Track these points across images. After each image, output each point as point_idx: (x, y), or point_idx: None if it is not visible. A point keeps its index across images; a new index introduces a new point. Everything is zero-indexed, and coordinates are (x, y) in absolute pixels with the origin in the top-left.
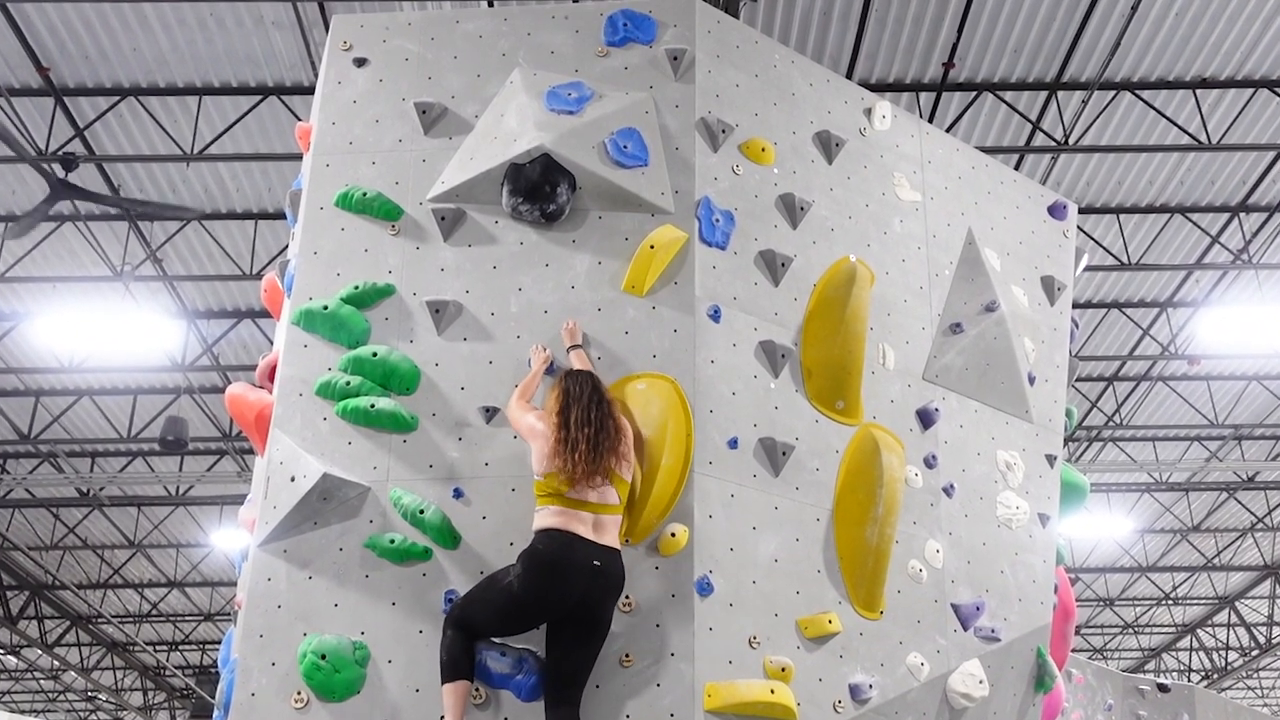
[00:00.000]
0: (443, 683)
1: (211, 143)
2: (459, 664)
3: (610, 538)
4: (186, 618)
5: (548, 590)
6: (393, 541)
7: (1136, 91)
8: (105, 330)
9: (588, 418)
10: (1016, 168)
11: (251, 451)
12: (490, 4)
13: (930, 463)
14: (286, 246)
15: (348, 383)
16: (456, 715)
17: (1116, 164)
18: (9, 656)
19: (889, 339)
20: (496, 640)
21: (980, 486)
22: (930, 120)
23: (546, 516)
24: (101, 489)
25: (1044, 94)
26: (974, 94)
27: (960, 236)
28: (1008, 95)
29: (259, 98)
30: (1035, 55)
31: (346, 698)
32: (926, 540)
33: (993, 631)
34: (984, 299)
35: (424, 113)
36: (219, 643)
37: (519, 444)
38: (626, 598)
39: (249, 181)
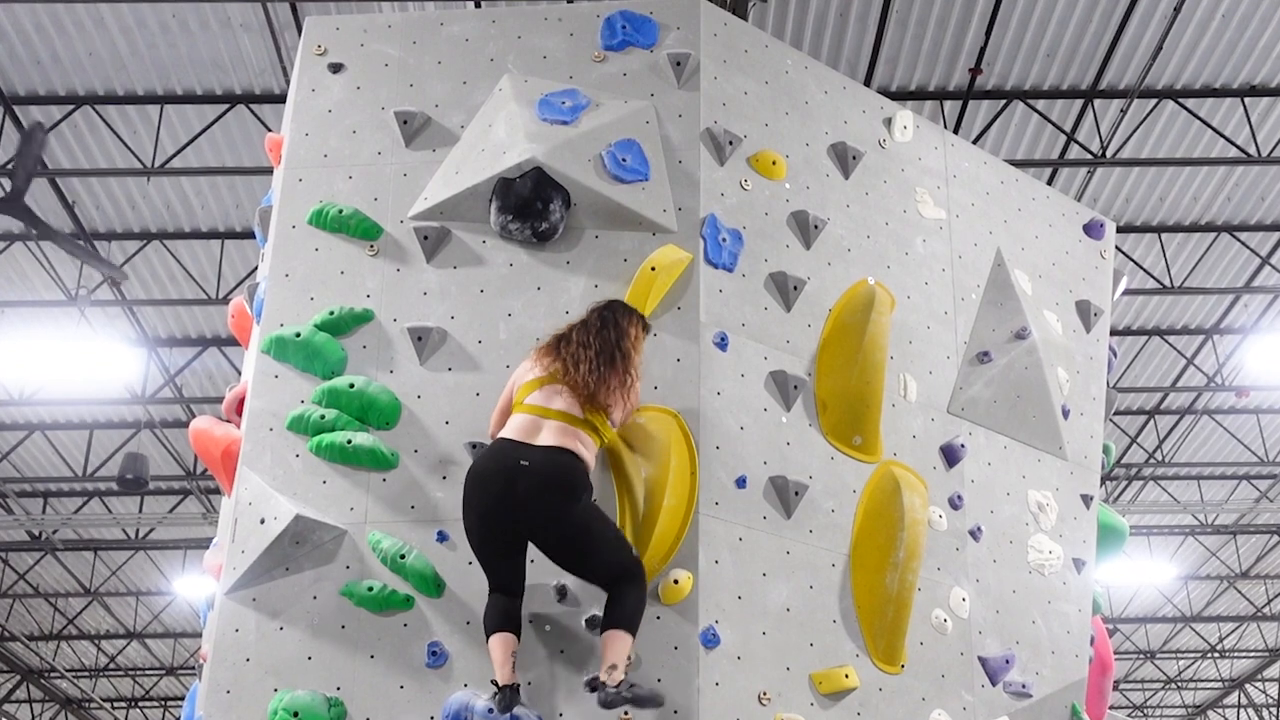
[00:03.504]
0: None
1: (174, 155)
2: (494, 618)
3: (561, 438)
4: (147, 672)
5: (477, 498)
6: (371, 589)
7: (1180, 100)
8: (59, 359)
9: (589, 338)
10: (1049, 182)
11: (218, 491)
12: (477, 5)
13: (955, 503)
14: (255, 268)
15: (322, 416)
16: (498, 668)
17: (1158, 178)
18: None
19: (911, 369)
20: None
21: (1010, 529)
22: (955, 131)
23: (505, 428)
24: (55, 532)
25: (1079, 102)
26: (1003, 102)
27: (988, 257)
28: (1040, 104)
29: (226, 106)
30: (1070, 60)
31: None
32: (951, 588)
33: (1024, 687)
34: (1014, 325)
35: (405, 123)
36: (183, 699)
37: None
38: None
39: (215, 197)
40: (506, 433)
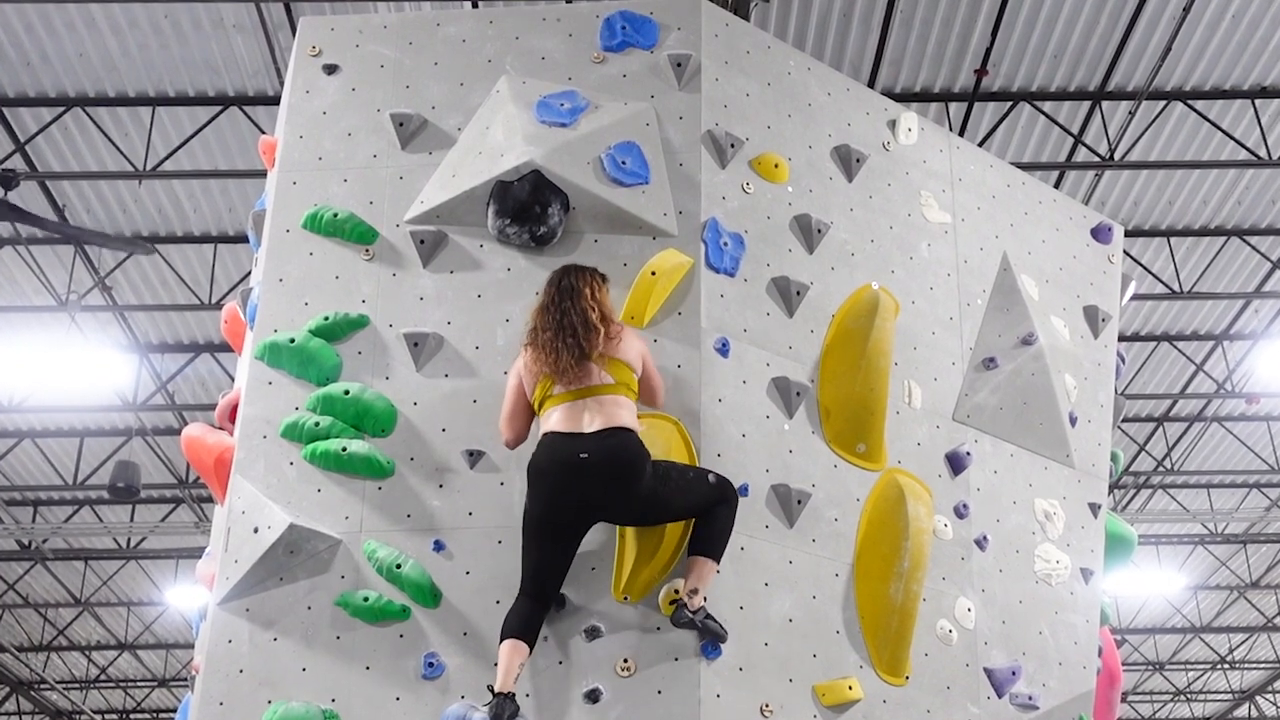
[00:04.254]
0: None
1: (166, 158)
2: (512, 625)
3: (607, 419)
4: (139, 683)
5: (550, 498)
6: (366, 599)
7: (1189, 102)
8: (48, 366)
9: (548, 320)
10: (1056, 186)
11: (210, 500)
12: (474, 5)
13: (961, 512)
14: (249, 273)
15: (317, 424)
16: (500, 674)
17: (1167, 182)
18: None
19: (915, 375)
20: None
21: (1016, 538)
22: (961, 133)
23: (544, 423)
24: (44, 541)
25: (1087, 104)
26: (1009, 104)
27: (994, 262)
28: (1047, 106)
29: (218, 108)
30: (1077, 62)
31: None
32: (957, 598)
33: (1030, 699)
34: (1020, 331)
35: (401, 125)
36: (174, 711)
37: (505, 492)
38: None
39: (207, 201)
40: (553, 426)
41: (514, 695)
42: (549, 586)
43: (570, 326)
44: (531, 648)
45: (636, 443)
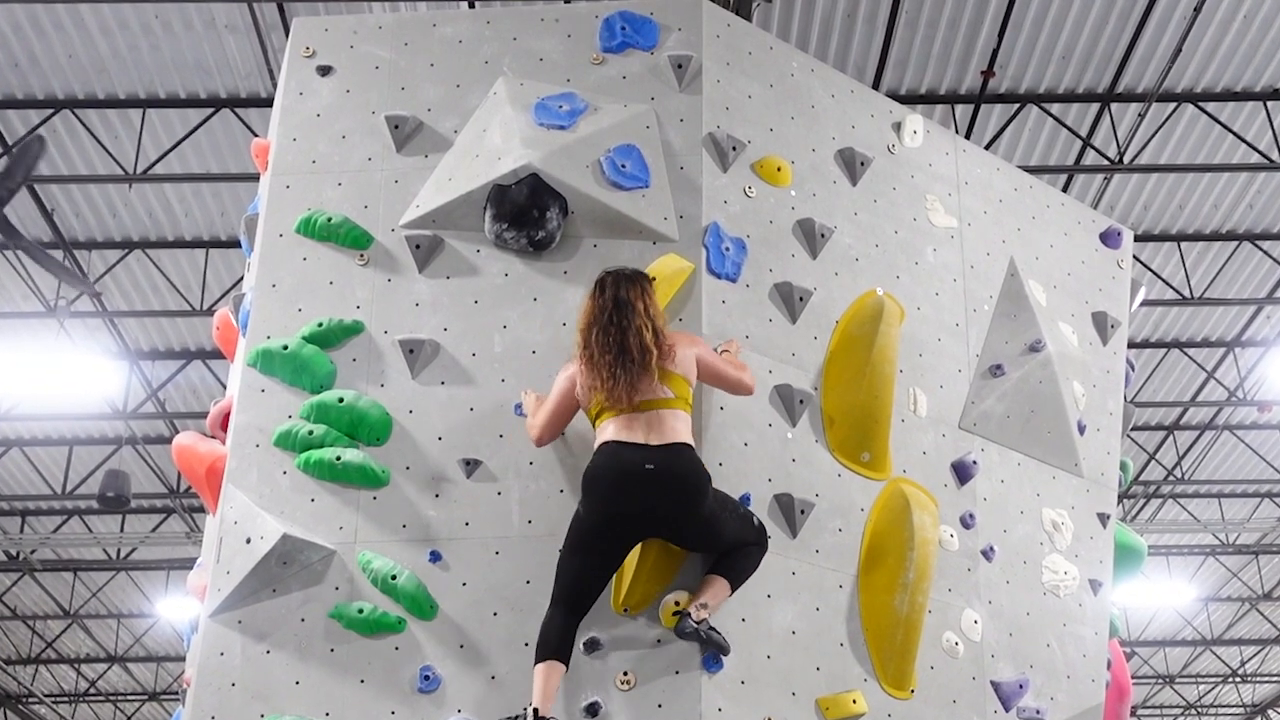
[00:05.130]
0: (534, 663)
1: (157, 161)
2: (549, 643)
3: (667, 433)
4: (129, 697)
5: (609, 506)
6: (361, 611)
7: (1200, 104)
8: (37, 373)
9: (608, 342)
10: (1065, 189)
11: (202, 510)
12: (471, 5)
13: (967, 522)
14: (241, 278)
15: (310, 432)
16: (539, 695)
17: (1177, 185)
18: None
19: (921, 383)
20: None
21: (1024, 549)
22: (967, 136)
23: (600, 433)
24: (33, 552)
25: (1096, 106)
26: (1017, 106)
27: (1001, 267)
28: (1055, 108)
29: (210, 110)
30: (1086, 63)
31: None
32: (963, 610)
33: (1038, 712)
34: (1028, 338)
35: (396, 127)
36: None
37: (503, 501)
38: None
39: (199, 205)
40: (613, 436)
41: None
42: (587, 599)
43: (628, 350)
44: (567, 665)
45: (700, 461)
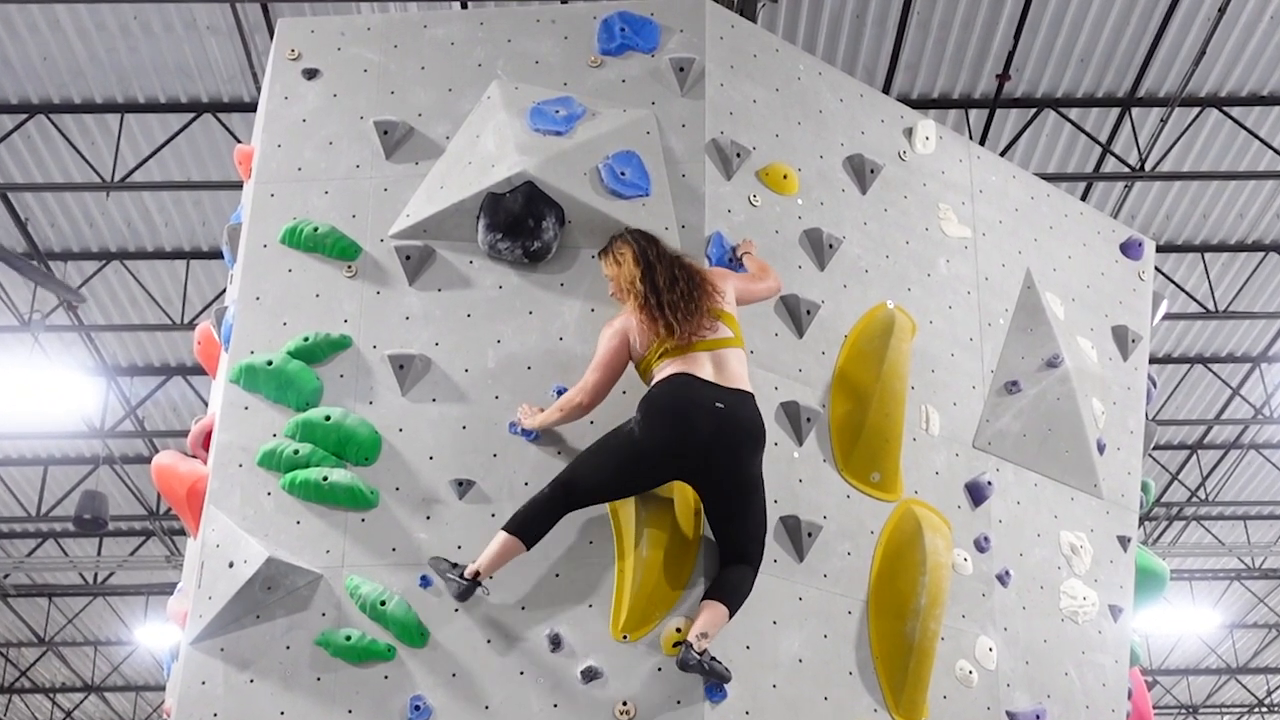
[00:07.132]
0: (502, 529)
1: (136, 168)
2: (526, 520)
3: (734, 377)
4: None
5: (670, 433)
6: (349, 638)
7: (1225, 108)
8: (10, 389)
9: (671, 276)
10: (1084, 198)
11: (182, 532)
12: (464, 5)
13: (982, 545)
14: (224, 291)
15: (296, 451)
16: (486, 562)
17: (1201, 193)
18: None
19: (933, 400)
20: None
21: (1041, 574)
22: (982, 142)
23: (663, 371)
24: (6, 576)
25: (1116, 111)
26: (1033, 111)
27: (1017, 279)
28: (1073, 113)
29: (191, 116)
30: (1105, 66)
31: None
32: (977, 637)
33: None
34: (1045, 353)
35: (386, 133)
36: None
37: (496, 524)
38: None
39: (180, 214)
40: (684, 368)
41: (482, 582)
42: (589, 502)
43: (694, 281)
44: (529, 549)
45: (762, 415)
